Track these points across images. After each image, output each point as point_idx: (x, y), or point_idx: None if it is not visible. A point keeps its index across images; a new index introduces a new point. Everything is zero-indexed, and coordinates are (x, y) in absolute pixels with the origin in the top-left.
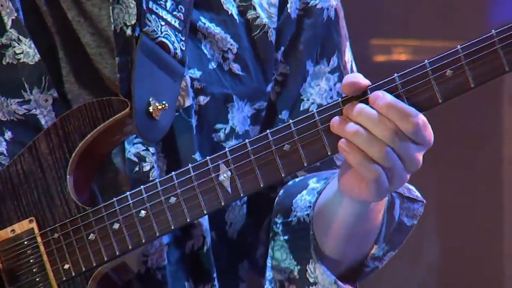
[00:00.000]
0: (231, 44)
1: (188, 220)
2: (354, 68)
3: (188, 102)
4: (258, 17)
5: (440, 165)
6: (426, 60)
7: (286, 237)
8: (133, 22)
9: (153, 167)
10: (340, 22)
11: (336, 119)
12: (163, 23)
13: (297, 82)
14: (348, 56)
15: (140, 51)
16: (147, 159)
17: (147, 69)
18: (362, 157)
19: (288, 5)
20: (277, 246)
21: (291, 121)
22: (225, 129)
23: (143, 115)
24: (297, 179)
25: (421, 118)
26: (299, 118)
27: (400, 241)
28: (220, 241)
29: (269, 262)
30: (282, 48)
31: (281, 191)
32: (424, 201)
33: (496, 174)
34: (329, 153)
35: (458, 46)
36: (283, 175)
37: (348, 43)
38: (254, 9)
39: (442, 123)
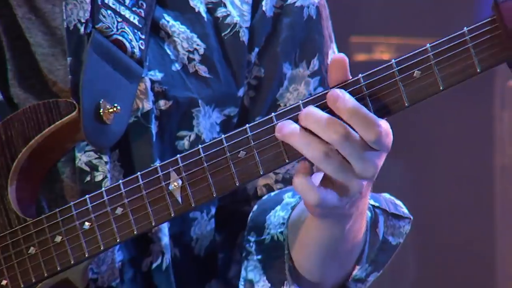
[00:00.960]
0: (197, 44)
1: (135, 232)
2: None
3: (147, 106)
4: (228, 15)
5: (429, 172)
6: (393, 60)
7: (259, 257)
8: (86, 18)
9: (106, 176)
10: (323, 21)
11: (280, 126)
12: (120, 19)
13: (273, 87)
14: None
15: (91, 49)
16: (99, 168)
17: (98, 69)
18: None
19: (263, 3)
20: (250, 266)
21: (247, 125)
22: (189, 136)
23: (91, 118)
24: (272, 193)
25: (384, 126)
26: (255, 122)
27: (385, 261)
28: (185, 258)
29: (241, 283)
30: (256, 49)
31: (255, 206)
32: (411, 217)
33: (488, 182)
34: (287, 160)
35: (427, 44)
36: (237, 184)
37: (333, 45)
38: (225, 6)
39: (432, 129)
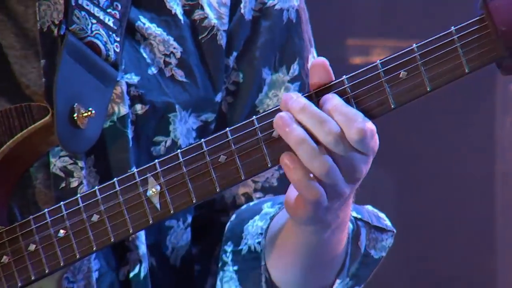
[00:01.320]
0: (174, 48)
1: (112, 240)
2: None
3: (123, 111)
4: (206, 17)
5: (429, 179)
6: (378, 61)
7: (236, 268)
8: (60, 19)
9: (81, 183)
10: (303, 25)
11: (282, 115)
12: (94, 21)
13: (252, 92)
14: None
15: (65, 52)
16: (74, 174)
17: (72, 72)
18: (303, 174)
19: (242, 5)
20: (226, 277)
21: (228, 128)
22: (165, 142)
23: (65, 122)
24: (251, 203)
25: (369, 125)
26: (236, 125)
27: (367, 275)
28: (161, 268)
29: None
30: (235, 54)
31: (233, 216)
32: (394, 231)
33: (489, 188)
34: (269, 165)
35: (414, 44)
36: (218, 190)
37: (313, 49)
38: (202, 8)
39: (432, 135)
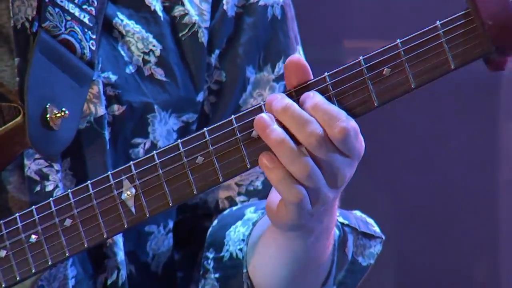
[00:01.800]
0: (153, 45)
1: (86, 245)
2: None
3: (100, 111)
4: (186, 14)
5: (432, 186)
6: (361, 57)
7: (217, 275)
8: (33, 16)
9: (57, 186)
10: (288, 21)
11: (262, 116)
12: (69, 18)
13: (235, 92)
14: None
15: (37, 50)
16: (50, 177)
17: (45, 71)
18: (283, 175)
19: (224, 1)
20: (208, 285)
21: (205, 128)
22: (144, 144)
23: (38, 123)
24: (234, 208)
25: (352, 124)
26: (214, 125)
27: (354, 283)
28: (141, 275)
29: None
30: (217, 52)
31: (215, 221)
32: (383, 237)
33: (492, 198)
34: (248, 166)
35: (398, 40)
36: (195, 192)
37: (299, 47)
38: (182, 4)
39: (435, 142)
